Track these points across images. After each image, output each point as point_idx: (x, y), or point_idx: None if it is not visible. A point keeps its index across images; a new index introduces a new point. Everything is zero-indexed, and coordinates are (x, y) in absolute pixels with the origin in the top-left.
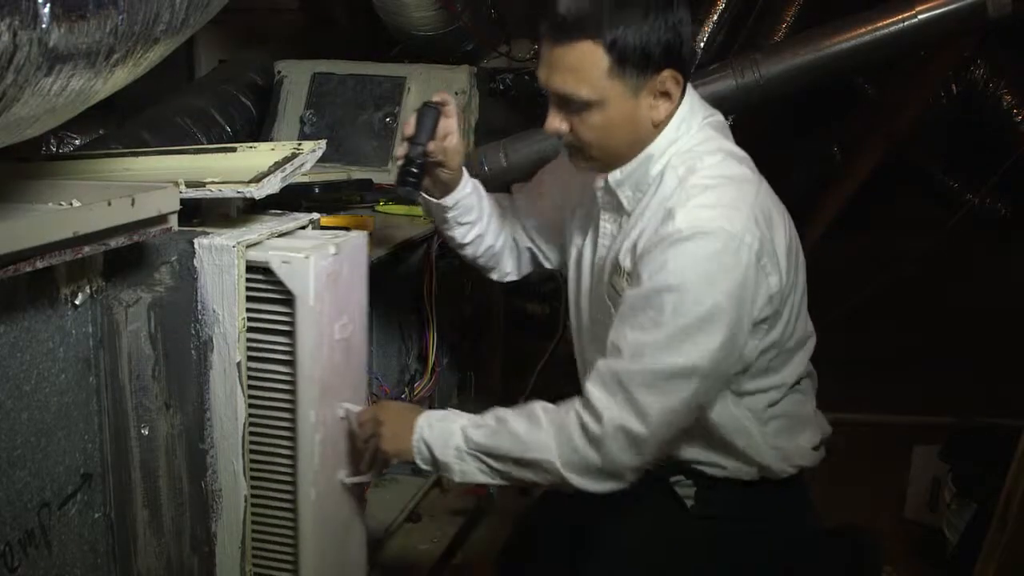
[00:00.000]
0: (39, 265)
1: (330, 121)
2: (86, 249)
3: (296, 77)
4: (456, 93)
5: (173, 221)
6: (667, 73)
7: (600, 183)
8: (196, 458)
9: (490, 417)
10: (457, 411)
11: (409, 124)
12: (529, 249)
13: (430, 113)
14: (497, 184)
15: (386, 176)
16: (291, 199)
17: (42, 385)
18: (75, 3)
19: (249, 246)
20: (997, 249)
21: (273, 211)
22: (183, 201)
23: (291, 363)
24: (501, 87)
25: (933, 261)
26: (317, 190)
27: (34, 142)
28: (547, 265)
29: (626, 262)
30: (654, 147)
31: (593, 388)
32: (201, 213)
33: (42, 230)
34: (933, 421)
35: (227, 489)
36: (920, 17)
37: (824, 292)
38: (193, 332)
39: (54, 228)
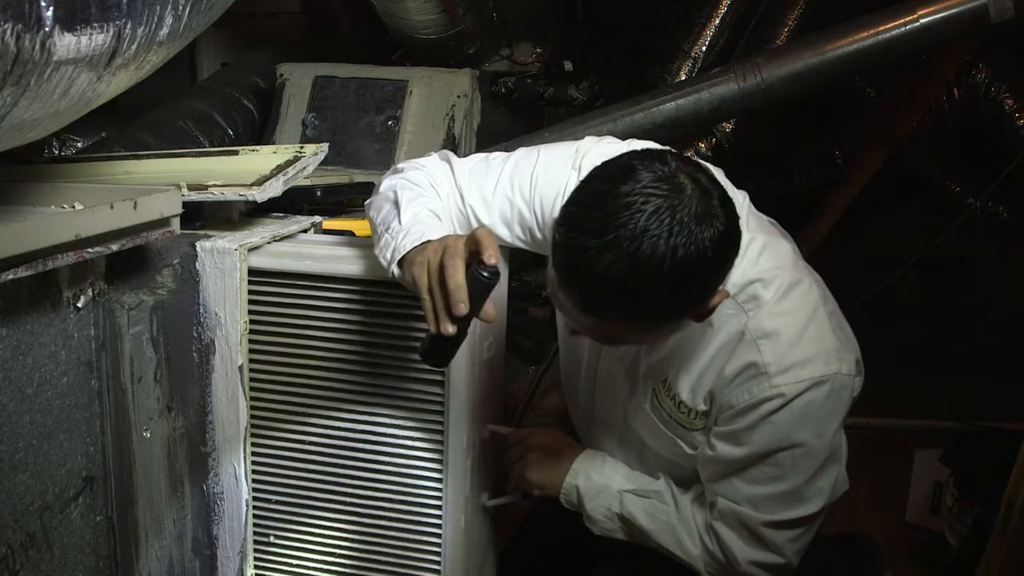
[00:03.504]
0: (41, 268)
1: (332, 124)
2: (88, 252)
3: (298, 80)
4: (458, 96)
5: (175, 224)
6: (717, 295)
7: None
8: (197, 461)
9: (651, 493)
10: (613, 462)
11: (460, 292)
12: None
13: (487, 286)
14: None
15: None
16: (293, 202)
17: (44, 388)
18: (78, 7)
19: (251, 248)
20: (998, 253)
21: (275, 214)
22: (185, 204)
23: (441, 383)
24: (503, 90)
25: (934, 265)
26: (319, 193)
27: (37, 145)
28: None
29: (691, 398)
30: None
31: (723, 528)
32: (203, 216)
33: (45, 233)
34: (935, 425)
35: (228, 492)
36: (922, 21)
37: None
38: (195, 335)
39: (57, 231)
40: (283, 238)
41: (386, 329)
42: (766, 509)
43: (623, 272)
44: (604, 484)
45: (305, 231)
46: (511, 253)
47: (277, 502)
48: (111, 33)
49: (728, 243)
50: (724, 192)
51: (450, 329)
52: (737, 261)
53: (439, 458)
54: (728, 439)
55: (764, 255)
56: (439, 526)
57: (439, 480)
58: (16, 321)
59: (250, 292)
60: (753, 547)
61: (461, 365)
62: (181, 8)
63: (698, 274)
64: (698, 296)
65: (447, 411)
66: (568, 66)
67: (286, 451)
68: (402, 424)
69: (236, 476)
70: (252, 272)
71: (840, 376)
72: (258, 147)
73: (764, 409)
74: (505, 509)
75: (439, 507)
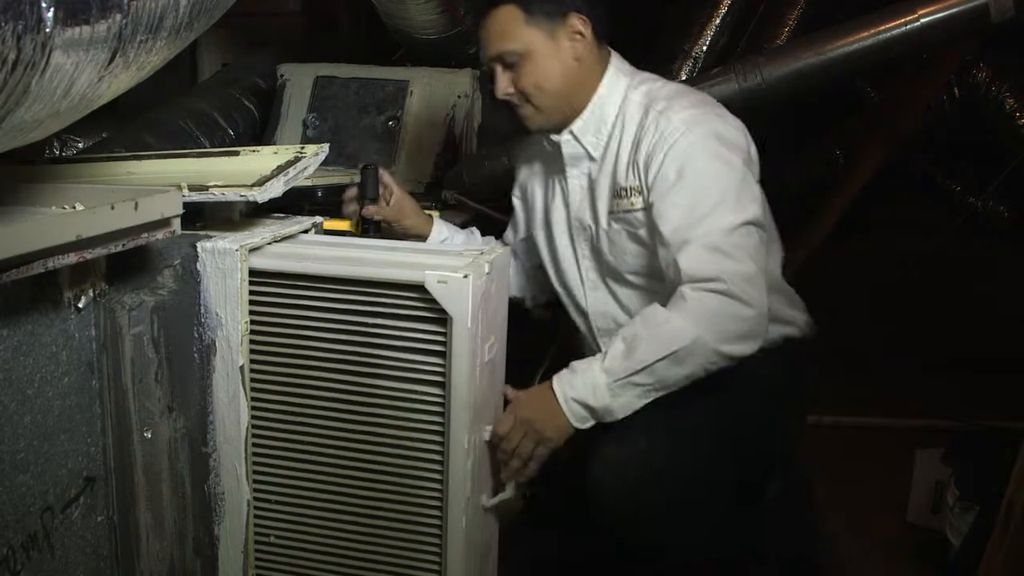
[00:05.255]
0: (42, 268)
1: (333, 124)
2: (89, 253)
3: (299, 80)
4: (459, 96)
5: (176, 225)
6: (574, 16)
7: (566, 136)
8: (199, 461)
9: (617, 342)
10: (580, 360)
11: (352, 189)
12: (541, 266)
13: (370, 172)
14: (499, 187)
15: None
16: (294, 202)
17: (45, 388)
18: (79, 7)
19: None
20: (999, 252)
21: (276, 215)
22: (186, 205)
23: (442, 384)
24: None
25: (935, 264)
26: (320, 193)
27: (37, 145)
28: None
29: (629, 180)
30: (602, 91)
31: (691, 263)
32: (204, 217)
33: (45, 233)
34: (936, 424)
35: (230, 492)
36: (923, 20)
37: (825, 294)
38: (196, 335)
39: (57, 231)
40: (284, 238)
41: (386, 330)
42: (708, 222)
43: None
44: (586, 378)
45: (306, 231)
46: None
47: (277, 502)
48: (112, 33)
49: None
50: None
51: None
52: (649, 88)
53: (439, 459)
54: (654, 182)
55: (671, 87)
56: (439, 527)
57: (439, 481)
58: (17, 322)
59: (251, 293)
60: (727, 260)
61: (462, 366)
62: (181, 8)
63: None
64: None
65: (448, 413)
66: None
67: (286, 452)
68: (403, 425)
69: (237, 476)
70: (253, 273)
71: (733, 121)
72: (259, 147)
73: (669, 139)
74: (503, 506)
75: (439, 508)
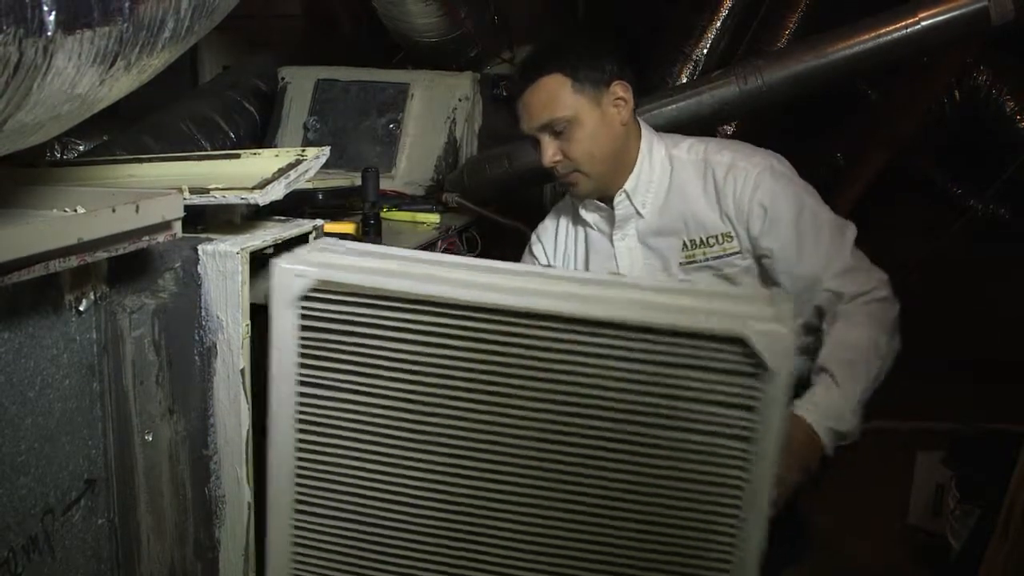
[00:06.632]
0: (43, 271)
1: (333, 127)
2: (90, 255)
3: (300, 83)
4: (459, 99)
5: (177, 227)
6: (617, 83)
7: (620, 197)
8: (199, 464)
9: (834, 370)
10: (809, 392)
11: None
12: None
13: (370, 175)
14: (500, 189)
15: (390, 182)
16: (295, 205)
17: (46, 391)
18: (80, 11)
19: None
20: (999, 253)
21: (277, 217)
22: (187, 207)
23: (748, 440)
24: (504, 93)
25: (935, 266)
26: (321, 196)
27: (38, 148)
28: None
29: (715, 229)
30: (643, 150)
31: (848, 285)
32: (205, 219)
33: (46, 236)
34: (937, 427)
35: (231, 495)
36: (923, 23)
37: None
38: (197, 338)
39: (58, 234)
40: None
41: (686, 381)
42: (841, 244)
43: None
44: (830, 404)
45: (308, 234)
46: None
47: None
48: (113, 37)
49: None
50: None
51: None
52: (689, 144)
53: (735, 515)
54: (760, 225)
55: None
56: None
57: (732, 536)
58: (18, 324)
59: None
60: (871, 271)
61: (775, 420)
62: (183, 12)
63: (577, 42)
64: (589, 60)
65: (752, 468)
66: None
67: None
68: (695, 479)
69: (238, 479)
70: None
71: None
72: (260, 150)
73: (758, 182)
74: None
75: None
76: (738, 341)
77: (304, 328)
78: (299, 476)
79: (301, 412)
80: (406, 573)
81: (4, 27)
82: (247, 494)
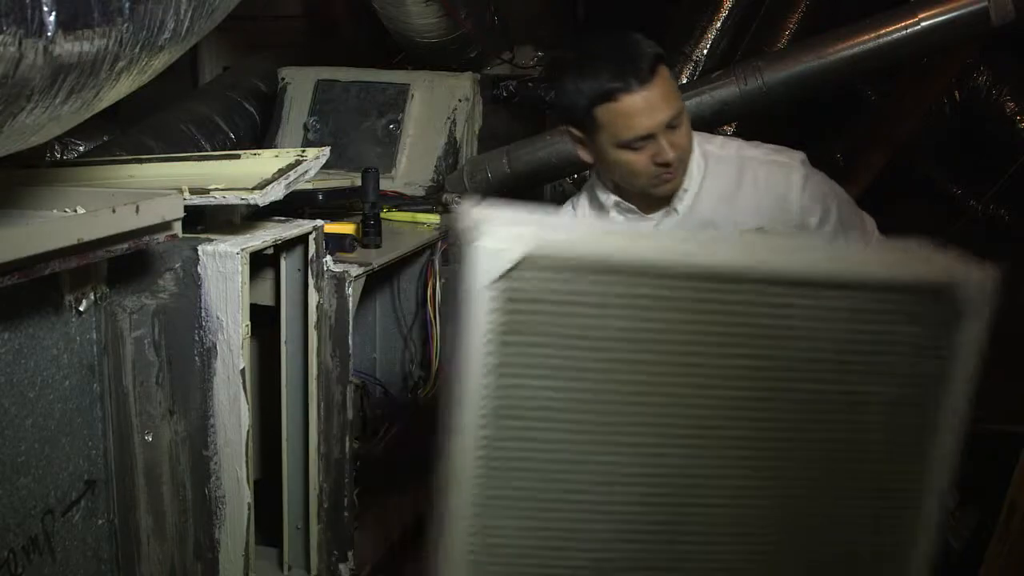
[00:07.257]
0: (43, 272)
1: (333, 128)
2: (91, 256)
3: (300, 84)
4: (459, 100)
5: (177, 228)
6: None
7: (680, 193)
8: (199, 464)
9: None
10: None
11: None
12: None
13: (370, 176)
14: (500, 190)
15: (390, 183)
16: (295, 206)
17: (46, 392)
18: (81, 12)
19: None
20: (999, 254)
21: (277, 217)
22: (187, 208)
23: (945, 387)
24: (504, 94)
25: None
26: (321, 197)
27: (39, 149)
28: None
29: (748, 223)
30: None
31: None
32: (205, 220)
33: (47, 237)
34: None
35: (230, 495)
36: (923, 24)
37: None
38: (197, 339)
39: (59, 235)
40: (282, 242)
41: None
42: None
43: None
44: None
45: (308, 235)
46: None
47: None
48: (113, 38)
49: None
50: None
51: None
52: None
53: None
54: (816, 213)
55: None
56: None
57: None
58: (18, 325)
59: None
60: None
61: (969, 366)
62: (183, 12)
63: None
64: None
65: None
66: None
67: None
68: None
69: (238, 479)
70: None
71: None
72: (260, 151)
73: (802, 179)
74: None
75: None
76: (945, 290)
77: (506, 311)
78: (483, 476)
79: (500, 401)
80: None
81: (4, 27)
82: (247, 494)
